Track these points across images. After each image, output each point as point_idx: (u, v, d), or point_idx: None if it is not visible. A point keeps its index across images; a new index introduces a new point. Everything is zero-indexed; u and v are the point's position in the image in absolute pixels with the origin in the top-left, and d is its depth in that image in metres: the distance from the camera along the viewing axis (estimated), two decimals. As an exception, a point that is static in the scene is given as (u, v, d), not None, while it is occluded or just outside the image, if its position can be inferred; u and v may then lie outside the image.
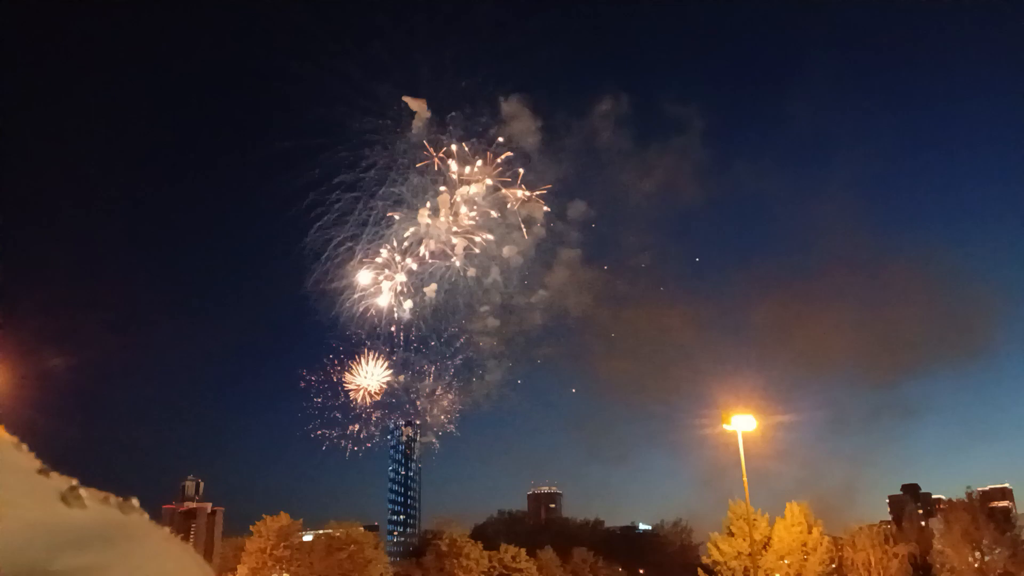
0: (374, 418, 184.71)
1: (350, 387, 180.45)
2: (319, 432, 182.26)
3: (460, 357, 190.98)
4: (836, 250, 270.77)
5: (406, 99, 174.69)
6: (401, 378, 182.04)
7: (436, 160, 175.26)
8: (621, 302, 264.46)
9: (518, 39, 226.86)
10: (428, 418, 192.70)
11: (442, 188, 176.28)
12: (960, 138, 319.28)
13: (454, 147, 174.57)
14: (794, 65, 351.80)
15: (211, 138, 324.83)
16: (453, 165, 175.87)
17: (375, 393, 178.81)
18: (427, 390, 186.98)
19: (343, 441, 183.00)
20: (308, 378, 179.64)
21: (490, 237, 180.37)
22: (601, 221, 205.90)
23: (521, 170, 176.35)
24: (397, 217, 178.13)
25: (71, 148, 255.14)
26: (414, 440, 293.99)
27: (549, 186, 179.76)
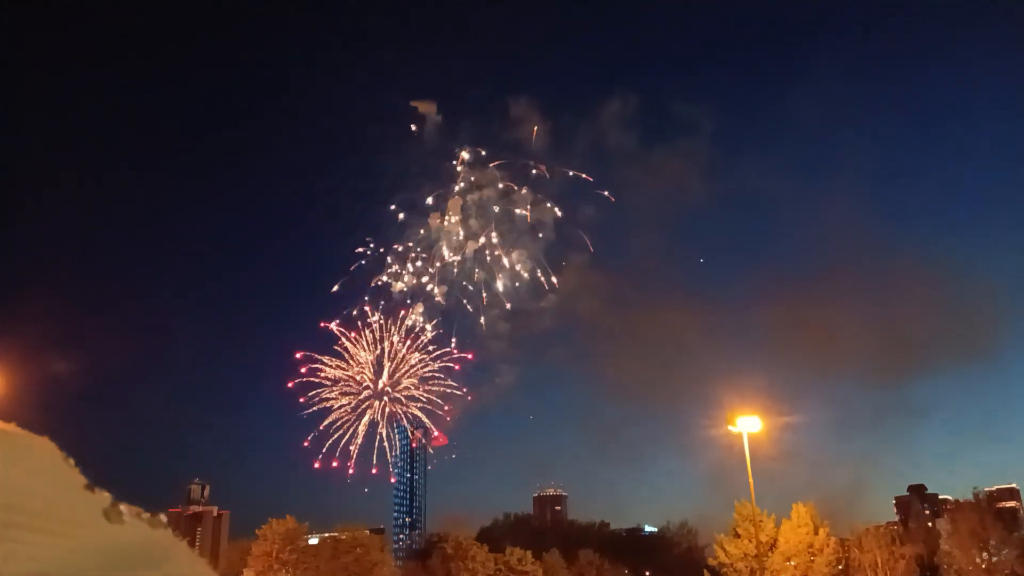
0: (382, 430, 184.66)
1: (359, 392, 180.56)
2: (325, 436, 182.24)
3: (470, 360, 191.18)
4: (842, 250, 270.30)
5: (415, 103, 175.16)
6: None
7: (446, 164, 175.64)
8: (628, 304, 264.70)
9: (526, 42, 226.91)
10: (435, 421, 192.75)
11: (453, 191, 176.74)
12: (968, 137, 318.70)
13: (464, 152, 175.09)
14: (801, 64, 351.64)
15: (217, 143, 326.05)
16: (463, 169, 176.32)
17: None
18: (436, 392, 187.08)
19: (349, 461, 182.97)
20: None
21: (500, 240, 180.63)
22: (609, 223, 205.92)
23: (533, 170, 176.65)
24: (408, 221, 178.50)
25: (76, 150, 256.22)
26: (421, 443, 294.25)
27: (556, 192, 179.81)
